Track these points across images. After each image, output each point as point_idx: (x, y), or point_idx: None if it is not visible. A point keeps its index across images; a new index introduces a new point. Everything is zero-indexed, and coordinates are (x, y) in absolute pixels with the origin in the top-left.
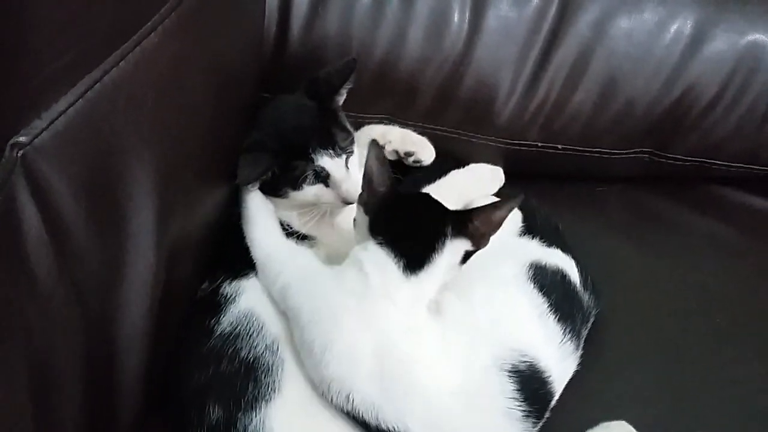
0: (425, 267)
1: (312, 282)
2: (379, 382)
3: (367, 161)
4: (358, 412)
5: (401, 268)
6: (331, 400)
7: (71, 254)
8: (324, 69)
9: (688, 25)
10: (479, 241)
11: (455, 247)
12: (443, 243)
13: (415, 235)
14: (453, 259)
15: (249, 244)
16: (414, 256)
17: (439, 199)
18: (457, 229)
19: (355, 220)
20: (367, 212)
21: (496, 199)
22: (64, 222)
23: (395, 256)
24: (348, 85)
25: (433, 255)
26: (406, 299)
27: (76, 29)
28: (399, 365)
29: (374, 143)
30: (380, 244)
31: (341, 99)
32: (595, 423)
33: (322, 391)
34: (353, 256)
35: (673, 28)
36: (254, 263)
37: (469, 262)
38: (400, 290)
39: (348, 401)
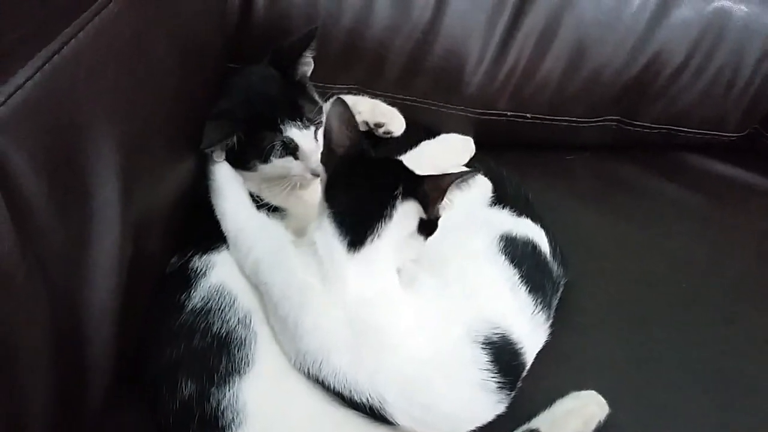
0: (368, 241)
1: (280, 258)
2: (352, 353)
3: (327, 119)
4: (333, 384)
5: (346, 247)
6: (307, 372)
7: (34, 231)
8: (288, 39)
9: None
10: (430, 207)
11: (406, 211)
12: (391, 209)
13: (361, 207)
14: (406, 226)
15: (219, 217)
16: (357, 232)
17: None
18: (407, 191)
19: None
20: (327, 170)
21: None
22: (26, 198)
23: (340, 234)
24: (310, 53)
25: (378, 225)
26: (357, 277)
27: (32, 1)
28: (370, 336)
29: (338, 101)
30: (330, 219)
31: (309, 69)
32: (565, 390)
33: (298, 363)
34: (309, 236)
35: None
36: (224, 236)
37: (441, 235)
38: (348, 269)
39: (323, 373)
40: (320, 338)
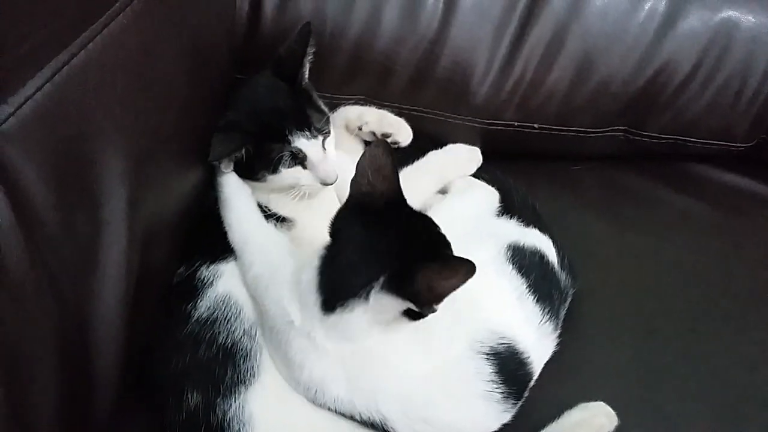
0: (338, 311)
1: (275, 284)
2: (348, 381)
3: (363, 156)
4: (335, 408)
5: (320, 304)
6: (306, 397)
7: (42, 241)
8: (283, 45)
9: (662, 3)
10: (424, 307)
11: (383, 302)
12: (367, 294)
13: (343, 274)
14: (382, 316)
15: (226, 228)
16: (330, 297)
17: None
18: (393, 284)
19: None
20: (347, 200)
21: (474, 179)
22: (34, 208)
23: (318, 289)
24: (311, 49)
25: (350, 302)
26: (325, 336)
27: (41, 11)
28: (365, 364)
29: (379, 143)
30: (319, 265)
31: (306, 70)
32: (573, 402)
33: (297, 389)
34: (296, 273)
35: (648, 5)
36: (231, 246)
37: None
38: (317, 326)
39: (322, 399)
40: (310, 372)
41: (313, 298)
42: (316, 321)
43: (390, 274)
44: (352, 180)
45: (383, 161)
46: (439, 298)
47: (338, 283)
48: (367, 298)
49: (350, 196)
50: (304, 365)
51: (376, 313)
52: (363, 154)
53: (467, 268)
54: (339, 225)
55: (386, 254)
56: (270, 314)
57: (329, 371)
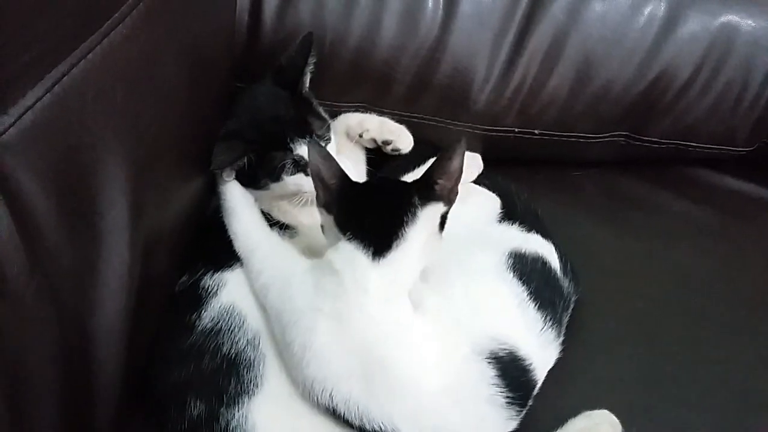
0: (395, 245)
1: (290, 284)
2: (363, 383)
3: (309, 161)
4: (343, 412)
5: (370, 256)
6: (315, 400)
7: (43, 252)
8: (284, 55)
9: (662, 8)
10: (449, 197)
11: (429, 214)
12: (414, 214)
13: (381, 216)
14: (429, 228)
15: (232, 237)
16: (380, 238)
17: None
18: (425, 196)
19: (322, 226)
20: (329, 211)
21: (475, 186)
22: (35, 219)
23: (364, 246)
24: (312, 59)
25: (402, 230)
26: (380, 287)
27: (41, 22)
28: (382, 364)
29: (311, 143)
30: (349, 239)
31: (308, 79)
32: (577, 409)
33: (306, 392)
34: (325, 258)
35: (647, 10)
36: (235, 254)
37: (450, 251)
38: (372, 279)
39: (331, 401)
40: (329, 365)
41: (361, 257)
42: (368, 274)
43: (418, 192)
44: (320, 181)
45: (324, 153)
46: (456, 181)
47: (382, 230)
48: (414, 221)
49: (327, 187)
50: (323, 358)
51: (424, 228)
52: (312, 160)
53: (458, 144)
54: (343, 210)
55: (402, 185)
56: (286, 317)
57: (348, 367)
